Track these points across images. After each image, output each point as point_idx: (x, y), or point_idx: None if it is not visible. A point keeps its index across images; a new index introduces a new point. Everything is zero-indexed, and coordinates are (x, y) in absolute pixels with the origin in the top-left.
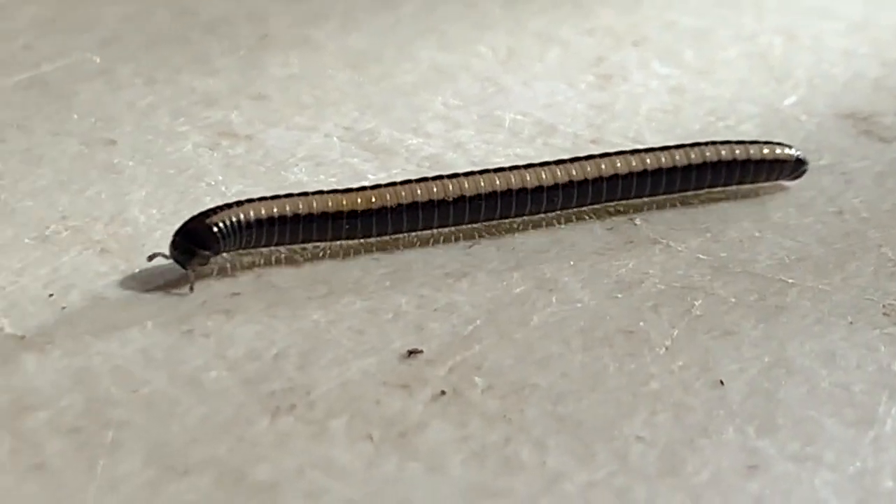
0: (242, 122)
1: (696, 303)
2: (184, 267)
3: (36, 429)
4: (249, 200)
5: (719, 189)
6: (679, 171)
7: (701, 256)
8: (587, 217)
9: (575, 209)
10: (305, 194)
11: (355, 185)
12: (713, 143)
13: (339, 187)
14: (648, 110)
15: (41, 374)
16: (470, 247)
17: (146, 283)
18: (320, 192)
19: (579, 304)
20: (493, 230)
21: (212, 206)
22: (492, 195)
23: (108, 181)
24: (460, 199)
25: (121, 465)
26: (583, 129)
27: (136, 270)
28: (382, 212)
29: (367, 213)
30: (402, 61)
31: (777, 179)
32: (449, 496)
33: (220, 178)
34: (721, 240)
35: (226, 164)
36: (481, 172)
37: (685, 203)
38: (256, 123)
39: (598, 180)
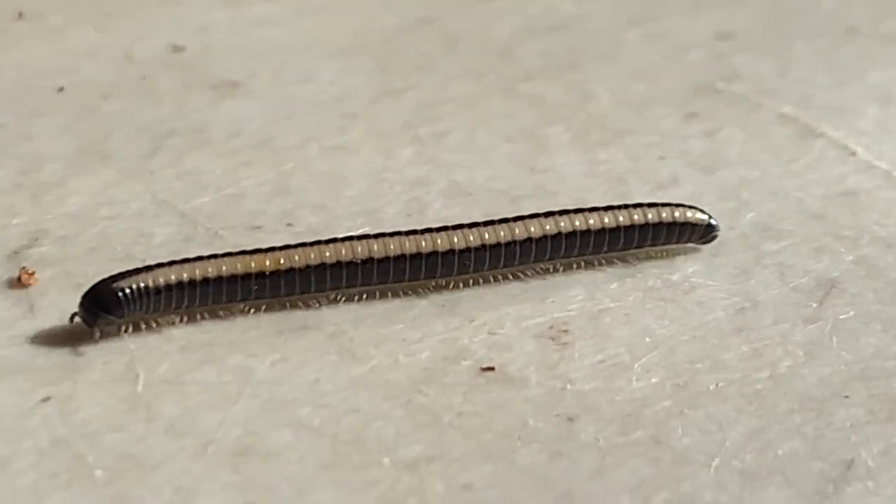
0: None
1: None
2: (90, 327)
3: None
4: (159, 265)
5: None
6: (597, 234)
7: None
8: None
9: (491, 271)
10: (214, 257)
11: (263, 247)
12: (627, 206)
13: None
14: None
15: None
16: None
17: None
18: (229, 254)
19: None
20: None
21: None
22: (400, 258)
23: None
24: (368, 261)
25: None
26: None
27: None
28: (291, 273)
29: (275, 275)
30: None
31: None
32: None
33: None
34: None
35: None
36: (391, 235)
37: None
38: None
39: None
